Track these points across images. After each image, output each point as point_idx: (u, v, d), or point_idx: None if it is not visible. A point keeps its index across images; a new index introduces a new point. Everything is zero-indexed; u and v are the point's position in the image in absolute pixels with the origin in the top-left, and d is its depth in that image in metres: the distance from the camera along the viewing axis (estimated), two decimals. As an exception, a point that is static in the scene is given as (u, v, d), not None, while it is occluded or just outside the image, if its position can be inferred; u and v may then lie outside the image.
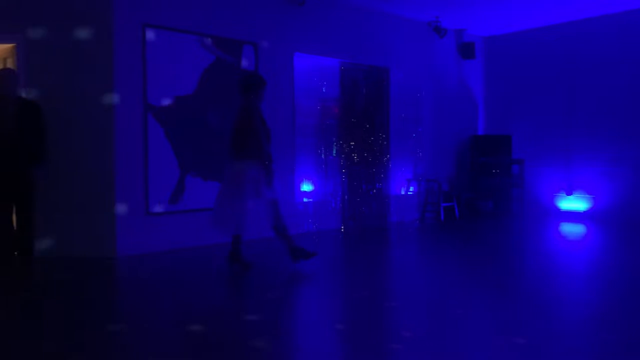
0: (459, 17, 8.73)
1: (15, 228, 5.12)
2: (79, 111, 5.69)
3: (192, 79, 6.38)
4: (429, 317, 3.82)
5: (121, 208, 5.77)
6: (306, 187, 7.61)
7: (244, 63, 6.82)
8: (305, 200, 7.52)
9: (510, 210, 9.22)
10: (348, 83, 7.99)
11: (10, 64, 5.83)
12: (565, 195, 8.91)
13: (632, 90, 8.19)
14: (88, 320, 3.65)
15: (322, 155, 7.79)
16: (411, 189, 8.91)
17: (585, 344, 3.23)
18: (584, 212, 8.68)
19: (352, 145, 8.08)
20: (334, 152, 7.91)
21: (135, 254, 5.79)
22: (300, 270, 5.08)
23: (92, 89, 5.71)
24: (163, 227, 6.11)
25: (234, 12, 6.73)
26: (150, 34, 6.00)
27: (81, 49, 5.69)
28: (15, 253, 5.17)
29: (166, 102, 6.16)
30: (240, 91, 4.96)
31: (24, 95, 5.40)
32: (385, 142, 8.46)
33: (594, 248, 6.76)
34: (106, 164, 5.72)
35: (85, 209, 5.70)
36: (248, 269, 5.00)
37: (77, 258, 5.57)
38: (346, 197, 7.98)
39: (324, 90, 7.76)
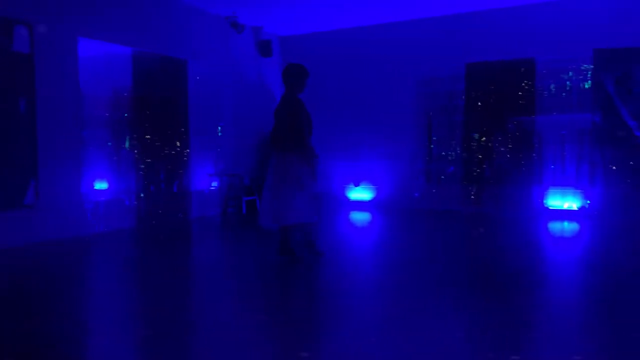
0: (256, 14, 8.92)
1: None
2: None
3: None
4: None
5: None
6: (98, 184, 7.05)
7: (17, 46, 6.02)
8: (95, 198, 6.96)
9: (307, 201, 9.75)
10: (142, 73, 7.60)
11: None
12: (353, 186, 9.76)
13: (408, 92, 9.28)
14: None
15: (116, 150, 7.29)
16: (214, 184, 8.87)
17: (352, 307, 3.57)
18: (369, 201, 9.62)
19: (149, 139, 7.72)
20: (128, 146, 7.47)
21: None
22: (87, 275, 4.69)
23: None
24: None
25: (2, -14, 5.89)
26: None
27: None
28: None
29: None
30: (283, 82, 4.92)
31: None
32: (184, 137, 8.26)
33: (376, 232, 7.53)
34: None
35: None
36: (298, 260, 4.99)
37: None
38: (142, 194, 7.60)
39: (115, 80, 7.26)
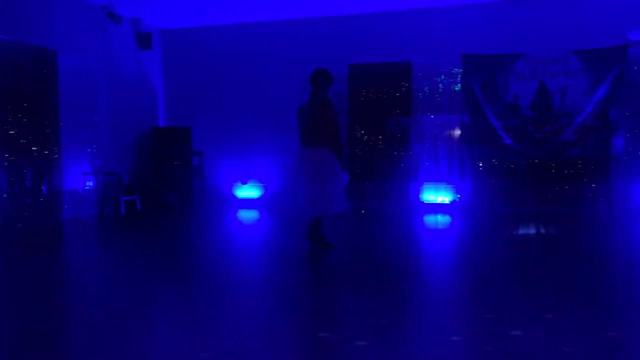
0: (135, 5, 8.52)
1: None
2: None
3: None
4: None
5: None
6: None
7: None
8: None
9: (192, 200, 9.51)
10: (4, 63, 6.91)
11: None
12: (241, 184, 9.68)
13: (294, 90, 9.36)
14: None
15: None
16: (89, 183, 8.33)
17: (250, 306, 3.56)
18: (258, 199, 9.60)
19: (13, 134, 7.05)
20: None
21: None
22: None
23: None
24: None
25: None
26: None
27: None
28: None
29: None
30: (311, 84, 5.26)
31: None
32: (54, 132, 7.65)
33: (265, 231, 7.54)
34: None
35: None
36: (330, 247, 5.32)
37: None
38: (5, 194, 6.92)
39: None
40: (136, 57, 9.39)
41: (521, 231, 6.98)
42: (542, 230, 6.95)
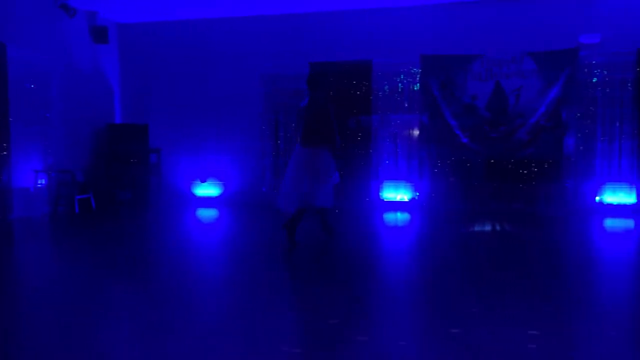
0: (90, -2, 8.29)
1: None
2: None
3: None
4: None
5: None
6: None
7: None
8: None
9: (149, 198, 9.31)
10: (-52, 55, 6.62)
11: None
12: (200, 182, 9.54)
13: (255, 88, 9.28)
14: None
15: None
16: (42, 180, 8.05)
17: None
18: (217, 197, 9.48)
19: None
20: None
21: None
22: None
23: None
24: None
25: None
26: None
27: None
28: None
29: None
30: (309, 87, 5.55)
31: None
32: (3, 128, 7.36)
33: (224, 229, 7.45)
34: None
35: None
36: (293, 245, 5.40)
37: None
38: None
39: None
40: (92, 51, 9.13)
41: (476, 229, 7.13)
42: (497, 228, 7.11)
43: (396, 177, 8.74)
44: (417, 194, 8.68)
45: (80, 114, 8.79)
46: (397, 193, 8.72)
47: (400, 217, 7.91)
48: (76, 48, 8.77)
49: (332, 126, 5.45)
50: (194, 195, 9.57)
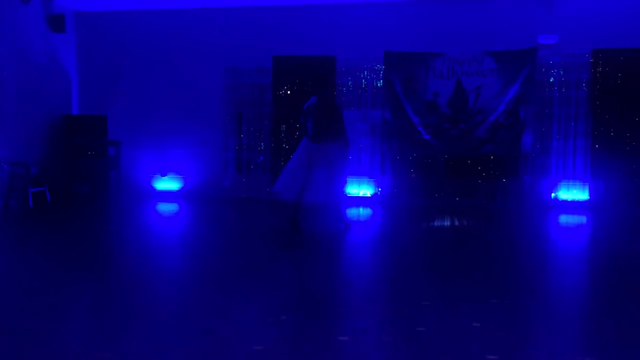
0: (46, -16, 8.01)
1: None
2: None
3: None
4: None
5: None
6: None
7: None
8: None
9: (108, 192, 9.09)
10: None
11: None
12: (160, 176, 9.36)
13: (217, 81, 9.16)
14: None
15: None
16: (-7, 173, 7.77)
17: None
18: (177, 191, 9.33)
19: None
20: None
21: None
22: None
23: None
24: None
25: None
26: None
27: None
28: None
29: None
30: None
31: None
32: (-49, 118, 7.07)
33: (183, 224, 7.35)
34: None
35: None
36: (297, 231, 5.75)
37: None
38: None
39: None
40: (47, 40, 8.84)
41: (437, 223, 7.24)
42: (456, 222, 7.24)
43: (359, 172, 8.79)
44: (380, 189, 8.75)
45: (35, 104, 8.51)
46: (359, 188, 8.76)
47: (362, 212, 7.96)
48: (30, 36, 8.47)
49: (343, 124, 5.85)
50: (154, 190, 9.39)
